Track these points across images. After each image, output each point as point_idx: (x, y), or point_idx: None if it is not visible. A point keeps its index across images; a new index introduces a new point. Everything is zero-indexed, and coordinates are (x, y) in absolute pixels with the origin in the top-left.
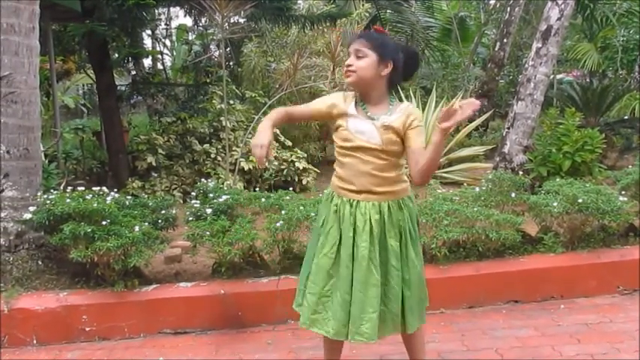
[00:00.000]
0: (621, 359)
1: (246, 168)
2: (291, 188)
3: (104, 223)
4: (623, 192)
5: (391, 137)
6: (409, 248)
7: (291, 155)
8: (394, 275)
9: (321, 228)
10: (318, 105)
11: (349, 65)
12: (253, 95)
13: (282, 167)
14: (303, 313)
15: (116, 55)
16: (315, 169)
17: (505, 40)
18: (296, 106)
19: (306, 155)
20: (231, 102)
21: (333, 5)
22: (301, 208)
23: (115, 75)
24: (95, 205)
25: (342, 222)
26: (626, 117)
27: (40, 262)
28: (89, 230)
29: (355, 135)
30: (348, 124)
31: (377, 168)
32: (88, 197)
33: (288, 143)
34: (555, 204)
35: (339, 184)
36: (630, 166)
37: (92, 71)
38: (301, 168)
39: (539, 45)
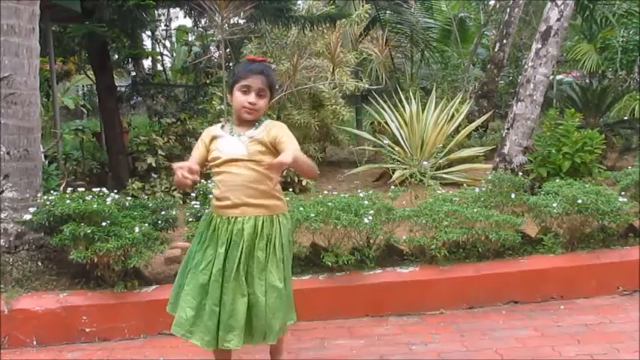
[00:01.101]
0: (620, 359)
1: None
2: (291, 189)
3: (104, 224)
4: (622, 193)
5: (257, 148)
6: (271, 262)
7: None
8: (259, 285)
9: (198, 245)
10: (198, 150)
11: (254, 104)
12: None
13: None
14: (181, 324)
15: (116, 56)
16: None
17: (505, 41)
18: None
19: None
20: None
21: (332, 6)
22: (301, 209)
23: (114, 76)
24: (95, 206)
25: (219, 239)
26: (625, 118)
27: (40, 263)
28: (89, 231)
29: (222, 150)
30: (217, 145)
31: (249, 179)
32: (88, 198)
33: None
34: (555, 205)
35: (216, 203)
36: (630, 167)
37: (92, 72)
38: None
39: (539, 46)
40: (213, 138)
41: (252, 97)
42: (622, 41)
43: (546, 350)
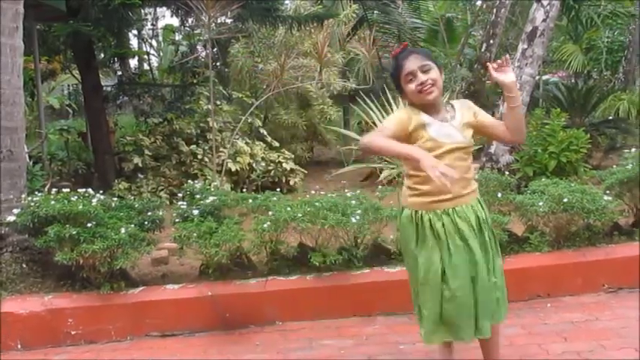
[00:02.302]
0: (607, 357)
1: (233, 169)
2: (278, 189)
3: (90, 225)
4: (607, 191)
5: (470, 133)
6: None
7: (279, 156)
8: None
9: (417, 249)
10: (395, 127)
11: (425, 81)
12: (240, 96)
13: (270, 168)
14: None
15: (102, 56)
16: (303, 170)
17: (491, 41)
18: (381, 139)
19: (293, 156)
20: (218, 103)
21: (320, 6)
22: (288, 209)
23: (100, 75)
24: (80, 206)
25: (448, 234)
26: (610, 117)
27: (24, 265)
28: (74, 232)
29: (442, 140)
30: (430, 133)
31: (463, 170)
32: (74, 199)
33: (276, 144)
34: (541, 203)
35: (427, 199)
36: (615, 166)
37: (77, 71)
38: (288, 169)
39: (525, 46)
40: (421, 126)
41: (420, 77)
42: (607, 42)
43: (533, 348)
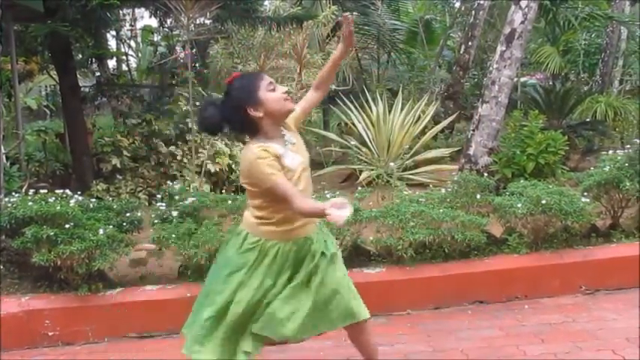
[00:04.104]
0: (583, 358)
1: (212, 170)
2: None
3: (67, 226)
4: (585, 193)
5: (303, 145)
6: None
7: None
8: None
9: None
10: (285, 179)
11: (286, 91)
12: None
13: None
14: None
15: (80, 56)
16: None
17: (470, 43)
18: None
19: None
20: (198, 104)
21: (299, 7)
22: None
23: (78, 76)
24: (58, 208)
25: (305, 261)
26: (587, 119)
27: (1, 267)
28: (52, 233)
29: (295, 166)
30: (286, 163)
31: (311, 187)
32: (51, 200)
33: None
34: (519, 205)
35: (288, 227)
36: (592, 168)
37: (55, 72)
38: None
39: (504, 48)
40: (277, 157)
41: (280, 87)
42: (584, 44)
43: (511, 349)
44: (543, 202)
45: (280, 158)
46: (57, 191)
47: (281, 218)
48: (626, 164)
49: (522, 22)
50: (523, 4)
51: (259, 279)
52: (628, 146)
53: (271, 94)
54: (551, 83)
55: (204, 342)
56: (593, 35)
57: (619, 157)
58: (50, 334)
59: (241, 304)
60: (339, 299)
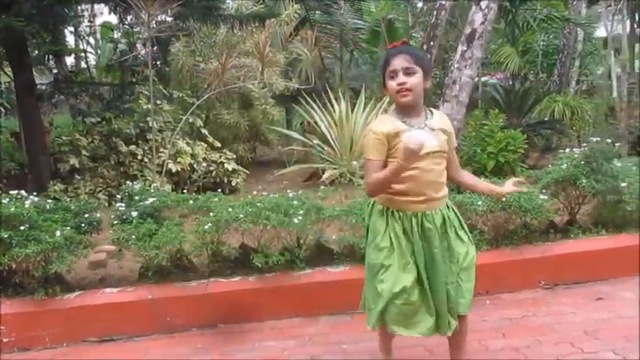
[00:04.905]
0: (543, 351)
1: (173, 170)
2: (220, 190)
3: (23, 228)
4: (543, 190)
5: (444, 138)
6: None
7: (220, 156)
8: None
9: (382, 244)
10: (377, 157)
11: (403, 83)
12: (181, 95)
13: (211, 169)
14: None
15: (36, 52)
16: (245, 170)
17: (432, 43)
18: (379, 174)
19: (235, 156)
20: (159, 102)
21: (262, 5)
22: (230, 210)
23: (35, 73)
24: (13, 209)
25: (412, 235)
26: (546, 118)
27: None
28: (6, 236)
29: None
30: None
31: (437, 174)
32: (5, 201)
33: (217, 144)
34: (480, 203)
35: (401, 198)
36: (550, 166)
37: (10, 69)
38: (230, 169)
39: (464, 48)
40: (397, 134)
41: (400, 78)
42: (542, 45)
43: (473, 344)
44: (503, 199)
45: (400, 134)
46: (11, 192)
47: None
48: (583, 162)
49: (483, 23)
50: (483, 4)
51: None
52: (584, 144)
53: (390, 81)
54: (510, 83)
55: None
56: (551, 36)
57: (576, 155)
58: (5, 340)
59: None
60: None
